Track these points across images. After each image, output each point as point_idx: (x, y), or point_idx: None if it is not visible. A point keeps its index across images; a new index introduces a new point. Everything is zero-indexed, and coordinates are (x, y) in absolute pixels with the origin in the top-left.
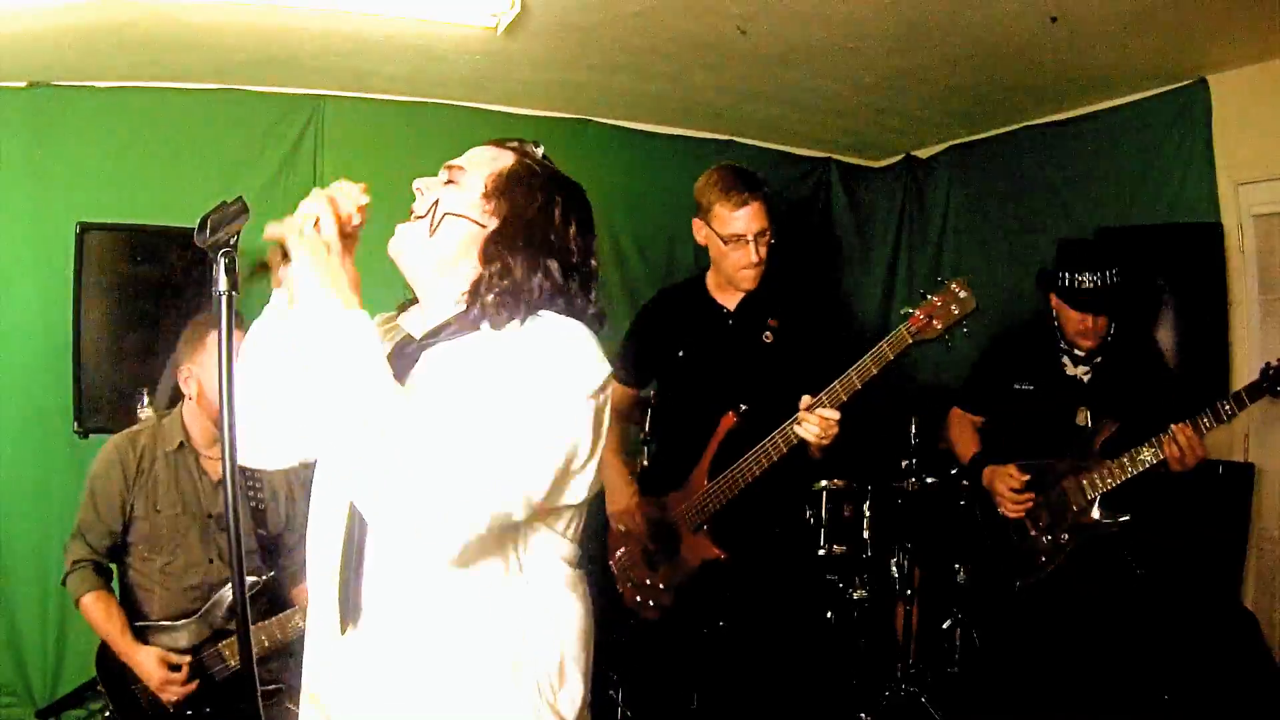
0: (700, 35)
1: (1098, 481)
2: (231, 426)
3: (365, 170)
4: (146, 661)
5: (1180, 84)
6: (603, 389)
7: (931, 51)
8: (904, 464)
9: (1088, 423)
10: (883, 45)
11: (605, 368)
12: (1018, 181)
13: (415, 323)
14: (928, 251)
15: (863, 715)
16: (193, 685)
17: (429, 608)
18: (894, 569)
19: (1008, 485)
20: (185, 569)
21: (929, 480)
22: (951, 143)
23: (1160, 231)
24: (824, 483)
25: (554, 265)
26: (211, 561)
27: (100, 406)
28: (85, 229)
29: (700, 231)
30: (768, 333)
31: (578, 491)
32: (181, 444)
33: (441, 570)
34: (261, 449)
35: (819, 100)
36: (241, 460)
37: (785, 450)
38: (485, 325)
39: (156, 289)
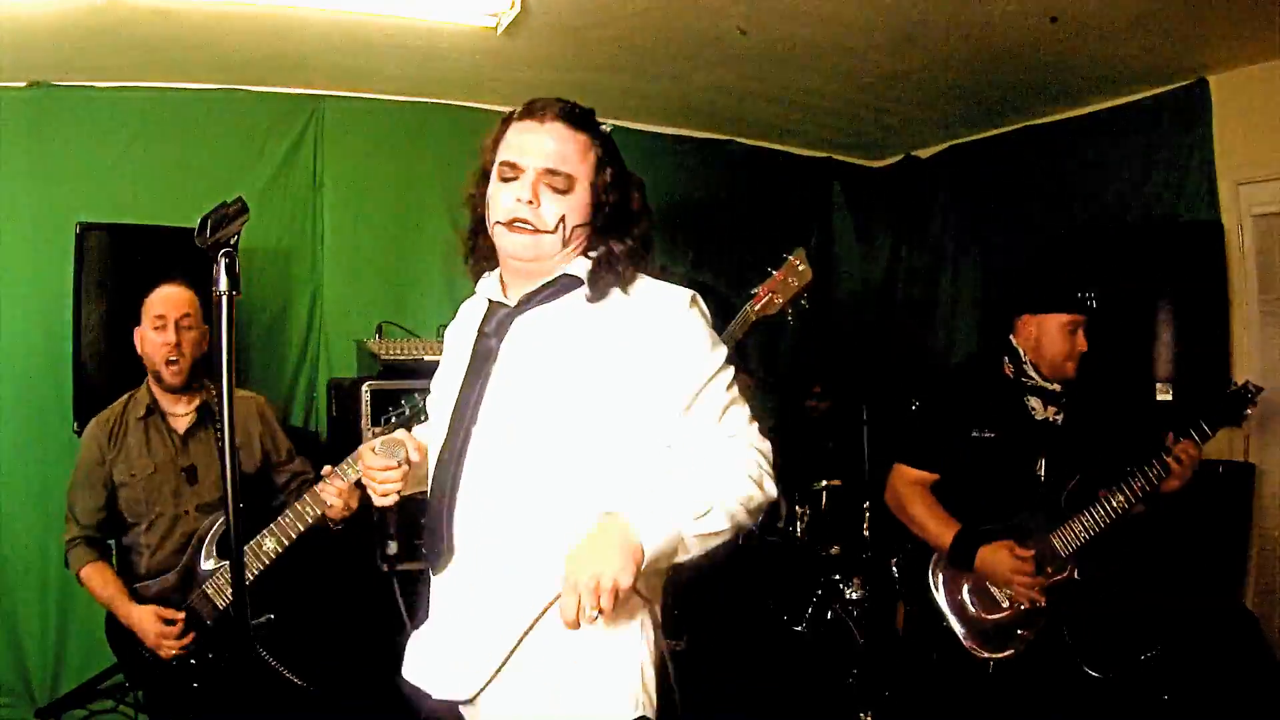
0: (700, 35)
1: (1070, 538)
2: (231, 415)
3: (365, 170)
4: (143, 619)
5: (1180, 84)
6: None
7: (931, 51)
8: None
9: (1044, 472)
10: (883, 45)
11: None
12: (1018, 181)
13: (494, 289)
14: (927, 251)
15: (863, 715)
16: (189, 638)
17: (515, 549)
18: (894, 569)
19: (1020, 570)
20: (168, 524)
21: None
22: (951, 143)
23: (1160, 231)
24: (824, 483)
25: (636, 233)
26: (188, 513)
27: (99, 406)
28: (85, 229)
29: None
30: None
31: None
32: (149, 408)
33: (527, 514)
34: None
35: (819, 100)
36: None
37: None
38: (579, 291)
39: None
